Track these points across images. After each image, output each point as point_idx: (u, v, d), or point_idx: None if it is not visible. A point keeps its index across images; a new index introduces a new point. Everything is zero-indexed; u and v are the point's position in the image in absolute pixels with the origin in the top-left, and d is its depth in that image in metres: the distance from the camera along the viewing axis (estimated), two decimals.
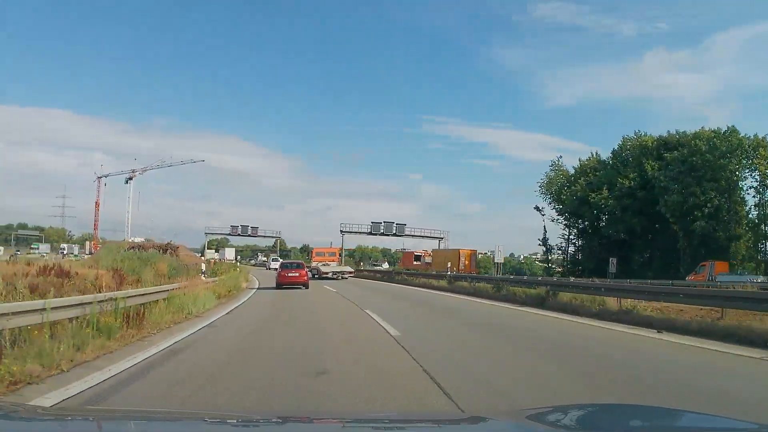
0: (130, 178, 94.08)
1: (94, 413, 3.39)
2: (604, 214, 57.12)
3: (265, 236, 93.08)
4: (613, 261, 44.83)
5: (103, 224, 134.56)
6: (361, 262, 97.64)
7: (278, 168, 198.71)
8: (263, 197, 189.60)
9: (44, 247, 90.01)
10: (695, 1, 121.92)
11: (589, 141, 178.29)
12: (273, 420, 2.69)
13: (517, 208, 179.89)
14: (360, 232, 78.10)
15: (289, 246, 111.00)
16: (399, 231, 78.90)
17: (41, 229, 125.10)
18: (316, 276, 39.01)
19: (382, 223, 78.20)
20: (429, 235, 79.97)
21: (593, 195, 55.23)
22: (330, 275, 39.30)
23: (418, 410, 5.12)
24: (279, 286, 27.78)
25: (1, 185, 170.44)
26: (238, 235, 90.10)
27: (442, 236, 79.27)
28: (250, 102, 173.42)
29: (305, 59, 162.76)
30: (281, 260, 47.21)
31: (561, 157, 64.76)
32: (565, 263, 64.51)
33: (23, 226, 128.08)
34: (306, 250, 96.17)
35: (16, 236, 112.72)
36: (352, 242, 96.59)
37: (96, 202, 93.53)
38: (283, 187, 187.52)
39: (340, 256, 54.39)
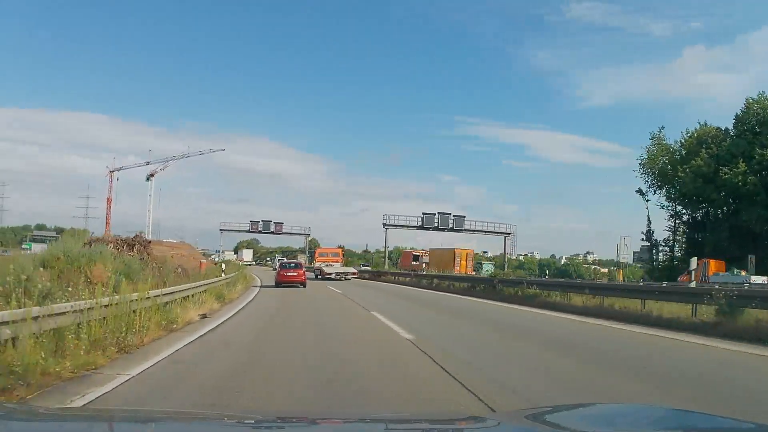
0: (152, 175, 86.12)
1: (95, 413, 3.46)
2: (736, 199, 42.78)
3: (291, 233, 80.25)
4: (752, 259, 36.96)
5: (128, 225, 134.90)
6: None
7: (312, 170, 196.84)
8: (297, 199, 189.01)
9: (40, 247, 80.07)
10: (728, 0, 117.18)
11: (624, 141, 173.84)
12: (273, 420, 2.75)
13: (554, 210, 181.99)
14: (408, 226, 64.16)
15: (323, 247, 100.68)
16: (457, 225, 64.83)
17: (60, 230, 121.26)
18: (318, 277, 38.91)
19: (436, 215, 63.89)
20: (494, 230, 65.58)
21: (725, 171, 41.25)
22: (333, 276, 38.18)
23: (417, 410, 5.25)
24: (278, 284, 28.89)
25: (33, 188, 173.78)
26: (258, 232, 77.83)
27: (509, 231, 65.08)
28: (283, 104, 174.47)
29: (339, 61, 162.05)
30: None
31: (663, 128, 49.44)
32: (671, 260, 49.34)
33: (42, 227, 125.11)
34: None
35: (32, 237, 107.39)
36: (395, 240, 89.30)
37: (108, 199, 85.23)
38: (318, 189, 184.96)
39: (343, 256, 53.05)
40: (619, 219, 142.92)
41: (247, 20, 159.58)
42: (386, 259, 62.07)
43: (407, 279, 38.93)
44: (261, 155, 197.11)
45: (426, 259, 59.56)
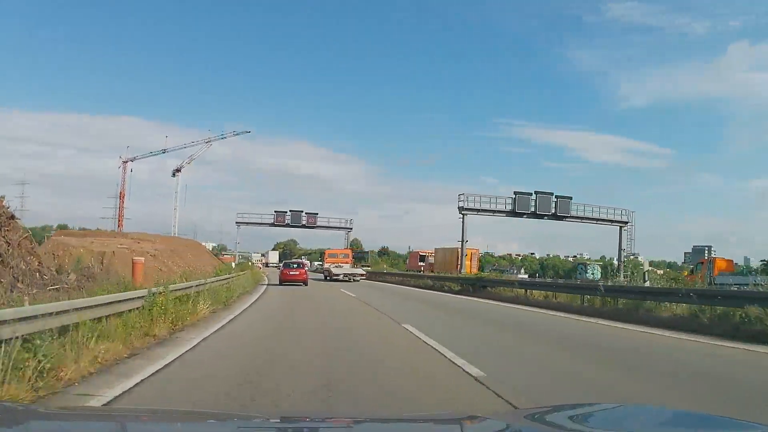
0: (177, 171, 77.68)
1: (95, 412, 3.42)
2: None
3: (329, 227, 62.04)
4: None
5: (152, 225, 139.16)
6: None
7: (350, 172, 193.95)
8: (336, 202, 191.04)
9: None
10: None
11: (665, 143, 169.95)
12: (275, 420, 2.72)
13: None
14: (494, 211, 44.79)
15: (366, 248, 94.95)
16: (561, 210, 45.00)
17: (85, 230, 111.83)
18: (327, 278, 38.86)
19: (533, 197, 44.40)
20: (605, 216, 45.83)
21: None
22: (341, 277, 37.80)
23: (417, 411, 5.14)
24: (281, 282, 30.48)
25: (72, 191, 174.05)
26: (285, 225, 60.65)
27: (624, 219, 45.45)
28: (322, 107, 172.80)
29: (379, 63, 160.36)
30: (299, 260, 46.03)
31: None
32: None
33: (63, 227, 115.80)
34: (385, 253, 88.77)
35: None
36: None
37: (120, 193, 76.95)
38: (357, 192, 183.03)
39: (353, 258, 51.67)
40: (663, 220, 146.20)
41: (288, 23, 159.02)
42: (460, 258, 42.67)
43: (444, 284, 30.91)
44: (300, 158, 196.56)
45: (432, 259, 55.67)
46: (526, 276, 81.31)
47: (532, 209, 46.31)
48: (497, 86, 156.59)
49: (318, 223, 62.04)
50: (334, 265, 41.20)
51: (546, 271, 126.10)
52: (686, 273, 33.35)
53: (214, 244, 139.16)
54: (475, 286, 25.04)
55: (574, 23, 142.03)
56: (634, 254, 49.84)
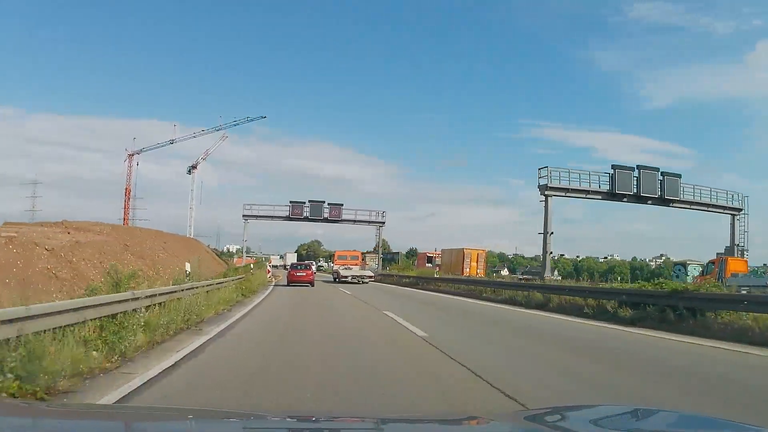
0: (193, 167, 72.71)
1: (99, 410, 3.27)
2: None
3: (356, 221, 51.07)
4: None
5: (165, 225, 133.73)
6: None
7: (376, 174, 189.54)
8: (362, 204, 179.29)
9: None
10: None
11: (690, 143, 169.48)
12: (276, 419, 2.64)
13: (620, 212, 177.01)
14: (587, 192, 33.55)
15: (394, 250, 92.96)
16: (669, 191, 33.47)
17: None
18: (336, 280, 38.63)
19: (635, 172, 33.40)
20: (716, 201, 34.33)
21: None
22: (349, 279, 37.34)
23: (418, 411, 5.14)
24: (289, 283, 31.31)
25: (95, 194, 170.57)
26: (303, 219, 50.54)
27: (737, 205, 34.12)
28: (348, 109, 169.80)
29: (402, 64, 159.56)
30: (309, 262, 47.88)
31: None
32: None
33: None
34: (414, 254, 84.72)
35: None
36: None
37: (126, 189, 71.45)
38: (382, 194, 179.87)
39: (363, 260, 50.30)
40: (688, 221, 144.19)
41: (310, 24, 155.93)
42: (545, 257, 31.91)
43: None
44: (323, 159, 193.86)
45: (438, 260, 54.47)
46: (560, 278, 78.54)
47: (634, 190, 34.67)
48: (521, 87, 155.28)
49: (343, 217, 50.92)
50: (343, 267, 40.74)
51: (581, 273, 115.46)
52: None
53: (237, 247, 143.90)
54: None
55: (597, 23, 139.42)
56: (746, 250, 38.13)
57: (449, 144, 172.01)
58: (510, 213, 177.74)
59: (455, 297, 23.35)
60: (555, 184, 33.32)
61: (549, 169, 33.63)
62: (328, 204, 50.10)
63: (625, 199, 34.50)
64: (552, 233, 32.38)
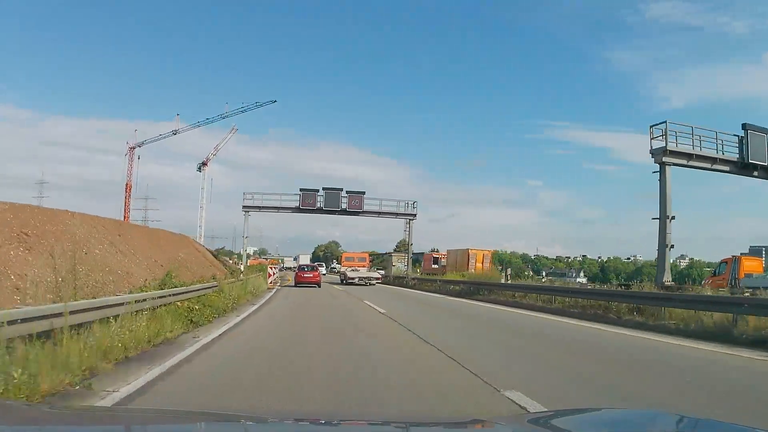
0: (204, 164, 70.37)
1: (101, 412, 3.36)
2: None
3: (381, 213, 42.37)
4: None
5: (177, 227, 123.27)
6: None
7: (395, 176, 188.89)
8: (384, 207, 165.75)
9: None
10: None
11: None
12: (275, 421, 2.66)
13: (641, 213, 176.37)
14: (714, 161, 23.87)
15: (417, 250, 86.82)
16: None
17: None
18: (343, 282, 38.09)
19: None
20: None
21: None
22: (356, 281, 37.15)
23: (421, 413, 5.02)
24: (296, 284, 32.03)
25: (116, 197, 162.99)
26: (317, 210, 41.39)
27: None
28: (367, 111, 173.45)
29: (423, 67, 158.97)
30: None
31: None
32: None
33: None
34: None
35: None
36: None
37: (126, 185, 67.05)
38: (403, 196, 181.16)
39: (371, 262, 50.17)
40: (712, 221, 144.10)
41: (332, 27, 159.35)
42: (663, 253, 20.90)
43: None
44: (344, 162, 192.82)
45: (444, 261, 51.90)
46: (585, 280, 77.63)
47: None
48: (539, 88, 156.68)
49: (365, 207, 41.25)
50: (350, 269, 40.44)
51: (607, 274, 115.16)
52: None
53: (255, 249, 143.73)
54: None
55: (614, 24, 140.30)
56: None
57: (468, 145, 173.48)
58: (528, 214, 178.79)
59: (566, 321, 14.61)
60: (673, 147, 23.07)
61: (666, 125, 23.18)
62: (347, 192, 40.46)
63: (756, 173, 24.58)
64: (673, 218, 23.13)
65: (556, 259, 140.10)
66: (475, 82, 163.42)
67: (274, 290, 26.26)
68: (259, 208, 40.42)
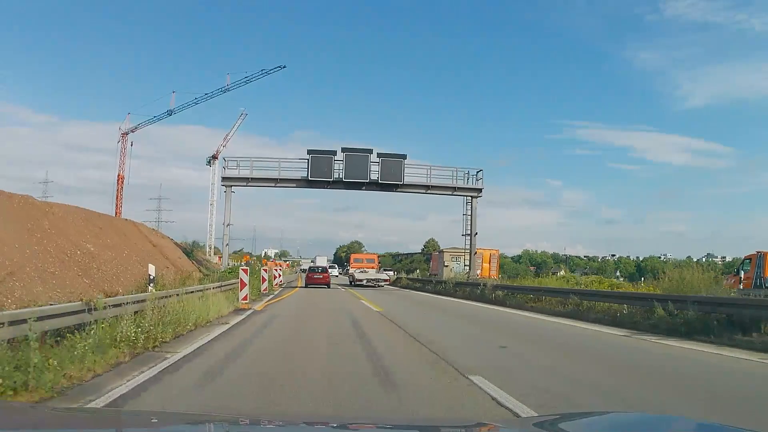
0: (214, 158, 62.46)
1: (98, 414, 3.28)
2: None
3: (430, 188, 29.28)
4: None
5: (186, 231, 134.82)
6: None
7: None
8: (405, 207, 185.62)
9: None
10: None
11: (729, 141, 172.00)
12: (279, 424, 2.54)
13: (662, 212, 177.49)
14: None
15: (360, 253, 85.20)
16: None
17: None
18: (352, 283, 37.75)
19: None
20: None
21: None
22: (364, 282, 36.48)
23: (426, 416, 4.83)
24: (307, 284, 33.23)
25: (140, 201, 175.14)
26: (333, 184, 29.14)
27: None
28: (390, 114, 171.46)
29: (443, 68, 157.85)
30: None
31: None
32: None
33: None
34: None
35: None
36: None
37: (118, 177, 57.99)
38: (426, 197, 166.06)
39: (379, 264, 47.73)
40: (732, 219, 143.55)
41: (361, 30, 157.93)
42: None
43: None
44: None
45: None
46: (623, 280, 72.98)
47: None
48: (559, 88, 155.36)
49: (406, 179, 28.48)
50: (359, 270, 39.67)
51: (644, 274, 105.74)
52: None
53: (276, 251, 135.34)
54: None
55: (634, 22, 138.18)
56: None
57: (490, 146, 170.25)
58: (550, 214, 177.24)
59: None
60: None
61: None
62: (379, 156, 27.89)
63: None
64: None
65: (589, 259, 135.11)
66: (495, 83, 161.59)
67: (272, 296, 21.01)
68: (248, 180, 27.02)
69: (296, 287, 31.78)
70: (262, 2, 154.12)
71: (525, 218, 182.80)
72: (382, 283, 37.55)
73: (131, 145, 57.02)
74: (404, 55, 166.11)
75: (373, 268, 41.73)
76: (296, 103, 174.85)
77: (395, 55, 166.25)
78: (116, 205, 56.74)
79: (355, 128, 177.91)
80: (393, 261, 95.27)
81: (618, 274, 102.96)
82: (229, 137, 63.07)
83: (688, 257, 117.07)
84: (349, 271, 42.66)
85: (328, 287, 32.33)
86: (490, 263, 42.83)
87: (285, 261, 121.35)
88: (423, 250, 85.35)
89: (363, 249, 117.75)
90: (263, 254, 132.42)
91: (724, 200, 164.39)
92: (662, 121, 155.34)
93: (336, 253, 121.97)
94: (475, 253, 44.78)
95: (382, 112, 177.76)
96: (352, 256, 46.80)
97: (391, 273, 59.83)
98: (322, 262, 69.00)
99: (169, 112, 57.11)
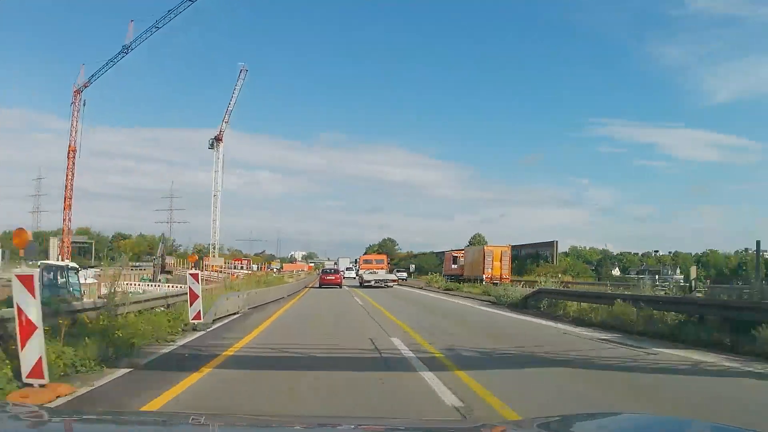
0: (218, 140, 61.29)
1: (106, 416, 3.14)
2: None
3: None
4: None
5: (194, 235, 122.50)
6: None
7: (445, 177, 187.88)
8: (430, 208, 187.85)
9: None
10: None
11: (756, 136, 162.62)
12: (286, 427, 2.66)
13: (693, 208, 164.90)
14: None
15: (369, 254, 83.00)
16: None
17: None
18: (361, 284, 38.41)
19: None
20: None
21: None
22: (372, 283, 37.42)
23: (431, 417, 4.96)
24: (320, 285, 37.28)
25: (154, 203, 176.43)
26: None
27: None
28: (417, 113, 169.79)
29: (467, 68, 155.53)
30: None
31: None
32: None
33: (84, 232, 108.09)
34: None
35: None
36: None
37: (69, 148, 51.10)
38: (451, 197, 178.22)
39: (389, 264, 49.42)
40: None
41: (378, 36, 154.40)
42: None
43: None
44: (393, 164, 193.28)
45: (463, 261, 48.72)
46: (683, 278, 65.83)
47: None
48: (585, 85, 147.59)
49: None
50: (368, 272, 39.91)
51: (708, 270, 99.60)
52: None
53: (303, 253, 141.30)
54: None
55: (657, 18, 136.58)
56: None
57: (517, 145, 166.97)
58: (578, 212, 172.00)
59: None
60: None
61: None
62: None
63: None
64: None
65: (644, 255, 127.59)
66: (522, 81, 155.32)
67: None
68: None
69: (299, 292, 30.14)
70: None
71: (554, 216, 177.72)
72: (391, 284, 38.49)
73: (84, 105, 50.06)
74: (425, 55, 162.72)
75: (382, 268, 41.58)
76: (320, 107, 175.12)
77: (416, 55, 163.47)
78: (66, 191, 50.49)
79: (381, 126, 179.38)
80: (438, 261, 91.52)
81: (678, 271, 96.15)
82: (231, 109, 59.55)
83: (737, 251, 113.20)
84: (359, 272, 42.78)
85: (340, 287, 35.84)
86: (501, 261, 41.23)
87: (310, 263, 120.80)
88: (470, 243, 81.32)
89: (396, 247, 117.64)
90: (289, 256, 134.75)
91: (756, 195, 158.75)
92: (688, 117, 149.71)
93: (366, 252, 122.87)
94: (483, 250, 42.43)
95: (408, 113, 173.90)
96: (362, 258, 47.09)
97: (404, 274, 58.99)
98: (345, 263, 70.93)
99: (125, 51, 49.50)
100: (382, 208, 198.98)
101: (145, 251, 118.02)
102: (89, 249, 78.74)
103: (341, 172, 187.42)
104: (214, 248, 71.56)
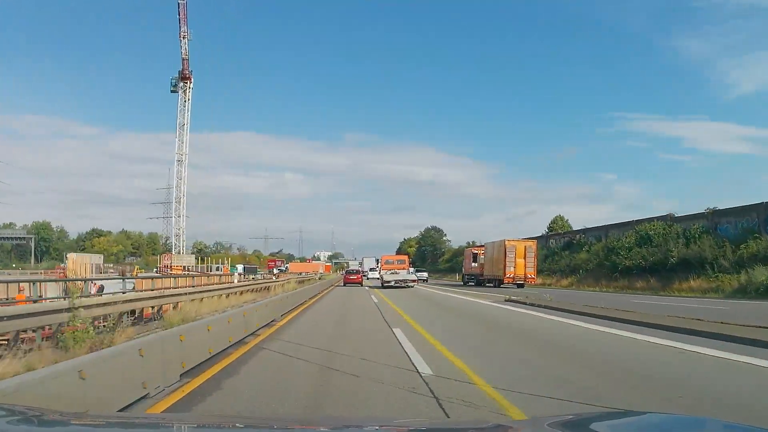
0: (185, 78, 62.40)
1: (111, 419, 3.21)
2: None
3: None
4: None
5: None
6: None
7: (473, 175, 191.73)
8: (458, 206, 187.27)
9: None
10: None
11: None
12: (266, 424, 2.71)
13: (721, 201, 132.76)
14: None
15: (389, 254, 75.44)
16: None
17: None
18: (383, 285, 38.09)
19: None
20: None
21: None
22: (392, 283, 37.34)
23: (437, 419, 4.96)
24: (345, 284, 44.37)
25: (193, 209, 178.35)
26: None
27: None
28: (442, 113, 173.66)
29: (492, 66, 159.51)
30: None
31: None
32: None
33: (100, 234, 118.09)
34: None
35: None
36: None
37: None
38: (482, 195, 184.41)
39: (409, 264, 45.51)
40: None
41: (402, 38, 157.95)
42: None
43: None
44: (421, 164, 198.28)
45: (483, 258, 45.05)
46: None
47: None
48: (609, 80, 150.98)
49: None
50: (389, 272, 38.94)
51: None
52: None
53: (329, 253, 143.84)
54: None
55: (680, 11, 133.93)
56: None
57: (543, 142, 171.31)
58: (606, 209, 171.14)
59: None
60: None
61: None
62: None
63: None
64: None
65: None
66: (546, 78, 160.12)
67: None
68: None
69: (316, 295, 28.85)
70: None
71: (582, 213, 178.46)
72: (411, 284, 38.08)
73: None
74: (452, 56, 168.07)
75: (403, 269, 40.28)
76: (347, 107, 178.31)
77: (449, 57, 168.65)
78: None
79: (408, 130, 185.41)
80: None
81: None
82: (186, 35, 59.12)
83: None
84: (380, 273, 41.69)
85: (361, 285, 41.81)
86: (525, 258, 37.53)
87: (335, 262, 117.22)
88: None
89: (446, 239, 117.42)
90: (313, 256, 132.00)
91: None
92: (712, 110, 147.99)
93: (400, 247, 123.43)
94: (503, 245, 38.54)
95: (433, 112, 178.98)
96: (383, 257, 45.19)
97: (425, 274, 59.60)
98: (370, 263, 71.79)
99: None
100: (412, 207, 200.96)
101: (129, 251, 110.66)
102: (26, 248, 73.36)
103: (367, 173, 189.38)
104: (177, 240, 64.60)
